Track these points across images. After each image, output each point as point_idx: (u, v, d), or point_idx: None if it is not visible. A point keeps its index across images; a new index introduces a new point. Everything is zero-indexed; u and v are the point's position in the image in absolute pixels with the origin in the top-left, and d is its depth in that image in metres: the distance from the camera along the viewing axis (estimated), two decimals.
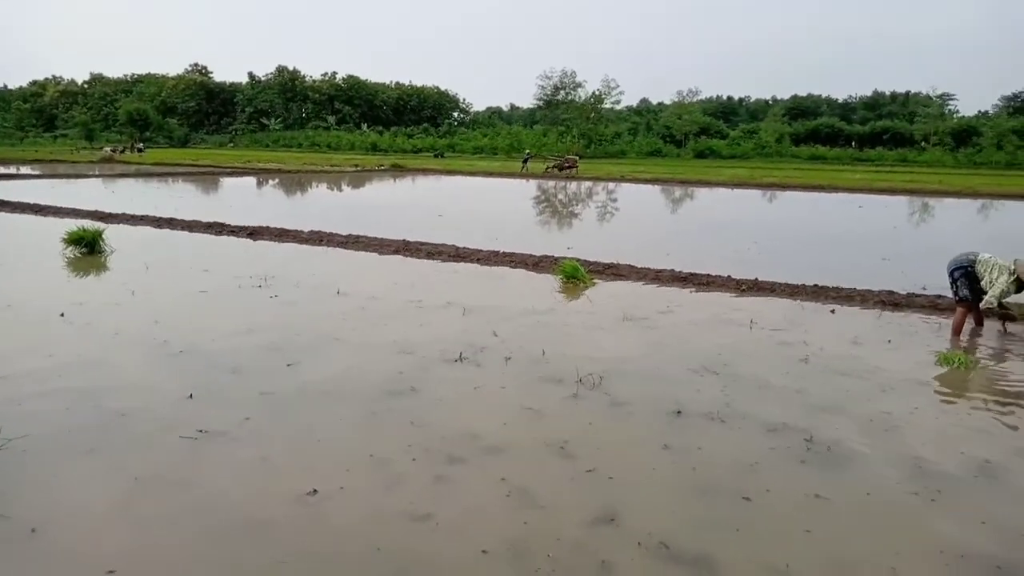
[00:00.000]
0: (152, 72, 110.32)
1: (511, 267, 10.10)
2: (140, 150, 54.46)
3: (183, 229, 13.23)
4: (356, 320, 7.23)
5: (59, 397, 5.09)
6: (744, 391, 5.34)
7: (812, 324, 7.24)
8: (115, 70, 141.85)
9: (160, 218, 13.95)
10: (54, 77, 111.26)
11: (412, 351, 6.25)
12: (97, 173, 31.34)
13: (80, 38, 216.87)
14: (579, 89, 58.02)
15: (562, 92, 57.94)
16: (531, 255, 10.38)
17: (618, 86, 58.95)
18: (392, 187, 29.30)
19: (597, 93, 59.92)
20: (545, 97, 58.68)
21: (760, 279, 8.80)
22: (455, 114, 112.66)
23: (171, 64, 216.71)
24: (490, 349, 6.29)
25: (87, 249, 10.62)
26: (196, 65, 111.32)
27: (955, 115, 61.70)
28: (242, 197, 24.48)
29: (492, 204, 23.29)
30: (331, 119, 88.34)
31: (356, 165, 40.69)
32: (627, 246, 12.34)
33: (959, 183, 29.87)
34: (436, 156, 52.93)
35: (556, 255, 10.37)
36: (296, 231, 12.45)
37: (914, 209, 23.09)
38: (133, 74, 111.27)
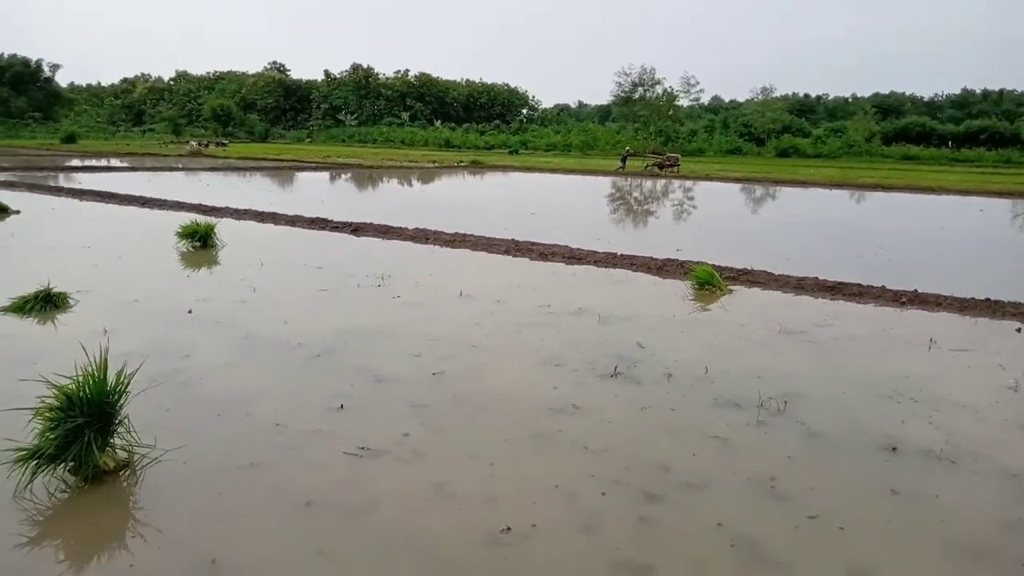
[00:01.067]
0: (233, 70, 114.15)
1: (631, 270, 9.55)
2: (223, 144, 56.01)
3: (286, 224, 13.18)
4: (489, 325, 6.82)
5: (206, 404, 4.84)
6: (958, 424, 4.66)
7: (1000, 345, 6.45)
8: (199, 68, 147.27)
9: (263, 212, 13.96)
10: (143, 74, 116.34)
11: (559, 362, 5.79)
12: (188, 166, 32.21)
13: (166, 37, 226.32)
14: (657, 86, 56.75)
15: (640, 89, 56.83)
16: (653, 258, 9.79)
17: (698, 83, 57.45)
18: (475, 184, 29.05)
19: (671, 90, 58.62)
20: (623, 93, 57.62)
21: (920, 290, 7.98)
22: (524, 111, 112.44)
23: (251, 62, 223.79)
24: (644, 363, 5.77)
25: (200, 243, 10.59)
26: (275, 63, 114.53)
27: None
28: (330, 192, 24.67)
29: (581, 201, 22.73)
30: (404, 115, 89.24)
31: (433, 161, 40.73)
32: (741, 248, 11.63)
33: None
34: (511, 153, 52.64)
35: (674, 258, 9.78)
36: (400, 228, 12.20)
37: None
38: (215, 71, 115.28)
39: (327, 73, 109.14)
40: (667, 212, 20.43)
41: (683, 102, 58.68)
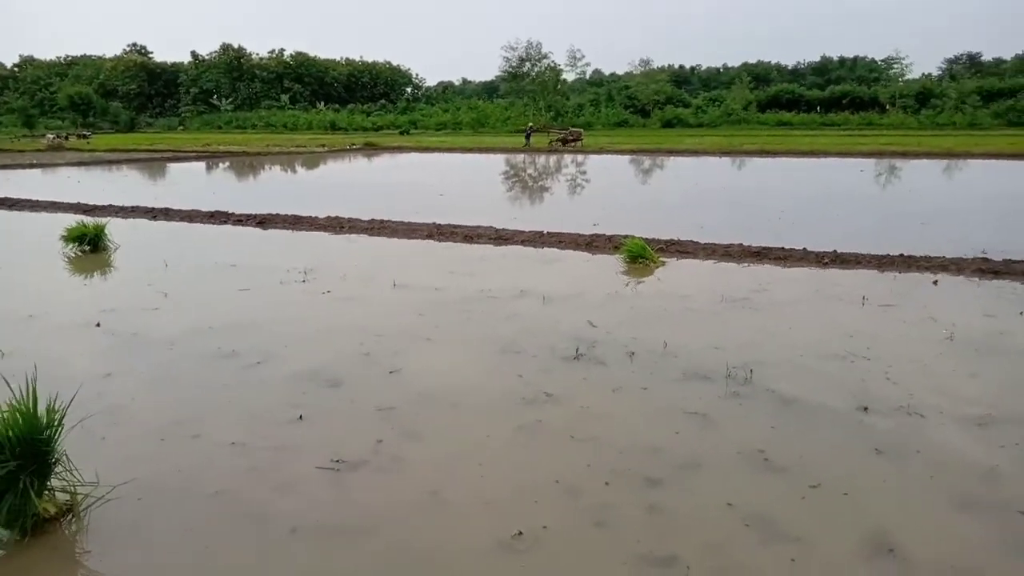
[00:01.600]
0: (88, 54, 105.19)
1: (560, 248, 9.49)
2: (85, 136, 51.59)
3: (182, 220, 12.21)
4: (434, 316, 6.54)
5: (145, 428, 4.34)
6: (914, 379, 4.88)
7: (924, 297, 6.85)
8: (47, 53, 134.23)
9: (153, 208, 12.87)
10: None
11: (517, 349, 5.62)
12: (50, 162, 29.37)
13: (6, 18, 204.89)
14: (544, 60, 56.99)
15: (527, 64, 56.88)
16: (579, 234, 9.77)
17: (583, 56, 58.16)
18: (373, 167, 28.12)
19: (556, 65, 59.03)
20: (511, 69, 57.46)
21: (839, 251, 8.37)
22: (408, 90, 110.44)
23: (107, 45, 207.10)
24: (602, 343, 5.71)
25: (90, 247, 9.61)
26: (135, 45, 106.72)
27: (903, 78, 62.91)
28: (219, 183, 23.19)
29: (487, 180, 22.53)
30: (284, 98, 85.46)
31: (323, 145, 39.19)
32: (651, 219, 11.84)
33: (932, 144, 30.18)
34: (401, 133, 51.51)
35: (600, 233, 9.81)
36: (310, 218, 11.57)
37: (914, 172, 23.10)
38: (67, 56, 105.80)
39: (195, 55, 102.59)
40: (574, 187, 20.57)
41: (569, 76, 59.34)
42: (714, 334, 5.90)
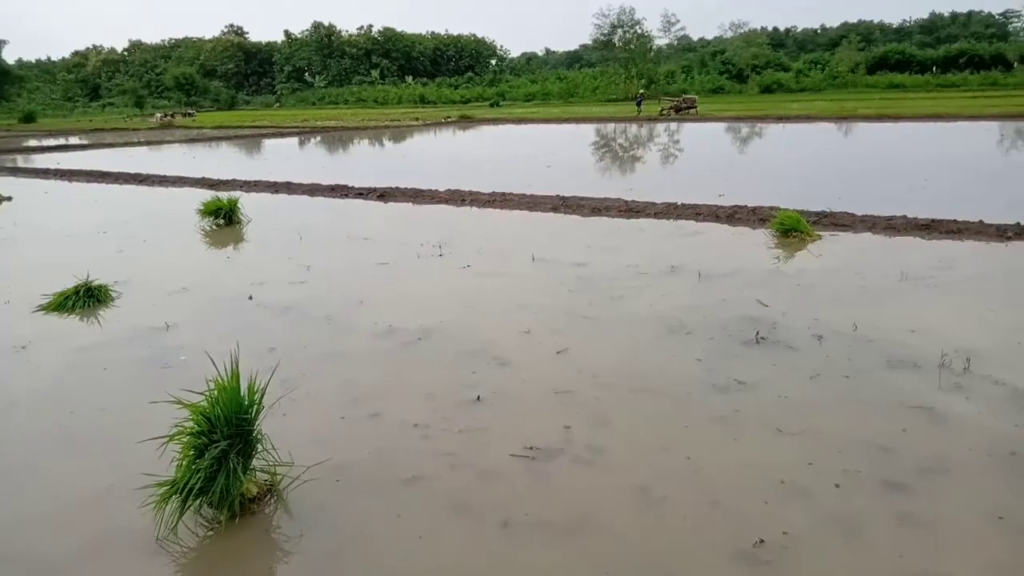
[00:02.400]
0: (189, 36, 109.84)
1: (697, 220, 8.97)
2: (191, 115, 53.94)
3: (304, 194, 12.36)
4: (585, 292, 6.23)
5: (323, 405, 4.23)
6: None
7: None
8: (153, 36, 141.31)
9: (276, 183, 13.09)
10: (95, 46, 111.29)
11: (688, 330, 5.24)
12: (163, 139, 30.78)
13: (115, 4, 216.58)
14: (637, 27, 55.22)
15: (619, 31, 55.27)
16: (718, 206, 9.21)
17: (678, 21, 56.03)
18: (473, 139, 27.92)
19: (646, 32, 56.95)
20: (602, 36, 56.01)
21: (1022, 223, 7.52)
22: (492, 62, 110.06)
23: (207, 27, 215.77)
24: (781, 325, 5.24)
25: (224, 220, 9.80)
26: (232, 26, 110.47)
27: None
28: (327, 157, 23.57)
29: (593, 151, 21.98)
30: (375, 73, 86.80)
31: (416, 119, 39.44)
32: (782, 189, 11.07)
33: None
34: (491, 105, 51.30)
35: (741, 204, 9.21)
36: (431, 191, 11.46)
37: None
38: (171, 39, 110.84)
39: (287, 34, 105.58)
40: (690, 157, 19.74)
41: (663, 42, 57.41)
42: (906, 316, 5.33)
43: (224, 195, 10.56)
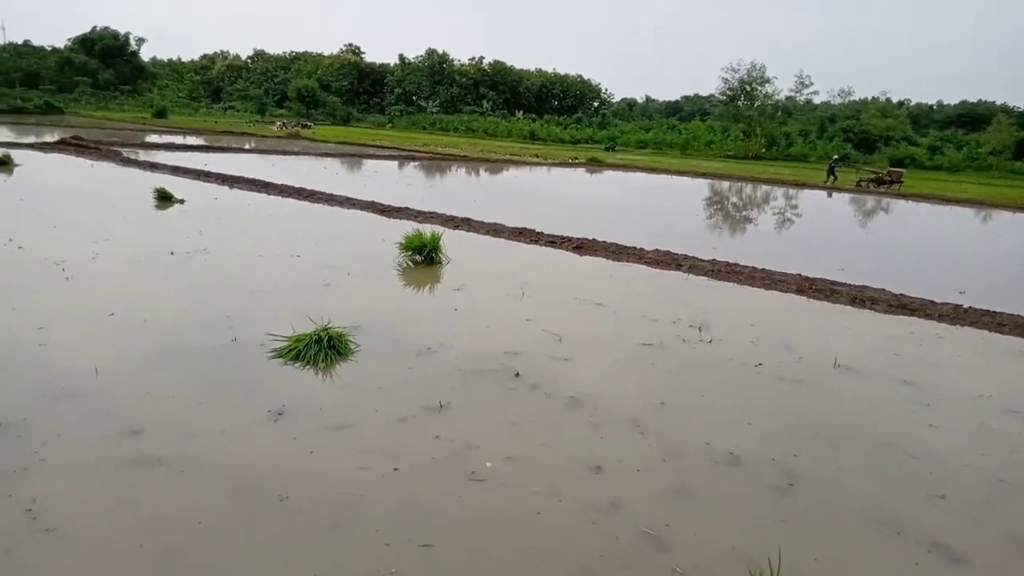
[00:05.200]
0: (309, 50, 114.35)
1: (988, 330, 7.43)
2: (308, 126, 55.14)
3: (485, 233, 11.40)
4: (944, 421, 4.84)
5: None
6: None
7: None
8: (275, 47, 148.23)
9: (454, 217, 12.20)
10: (222, 52, 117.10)
11: None
12: (292, 150, 30.99)
13: (244, 14, 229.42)
14: (767, 84, 53.48)
15: (747, 87, 53.60)
16: (998, 312, 7.67)
17: (812, 83, 53.94)
18: (623, 186, 26.24)
19: (773, 92, 54.94)
20: (729, 91, 54.48)
21: None
22: (595, 104, 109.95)
23: (326, 44, 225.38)
24: None
25: (424, 258, 8.88)
26: (350, 45, 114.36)
27: None
28: (474, 189, 22.86)
29: (775, 215, 20.52)
30: (486, 104, 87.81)
31: (536, 155, 38.83)
32: None
33: None
34: (606, 149, 50.39)
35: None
36: (635, 249, 10.29)
37: None
38: (292, 51, 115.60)
39: (402, 57, 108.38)
40: (891, 236, 17.98)
41: (792, 102, 55.29)
42: None
43: (433, 230, 9.65)
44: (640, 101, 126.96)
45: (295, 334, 5.64)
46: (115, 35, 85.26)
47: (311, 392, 4.91)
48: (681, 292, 8.44)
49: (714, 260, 9.70)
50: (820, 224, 19.56)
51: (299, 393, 4.84)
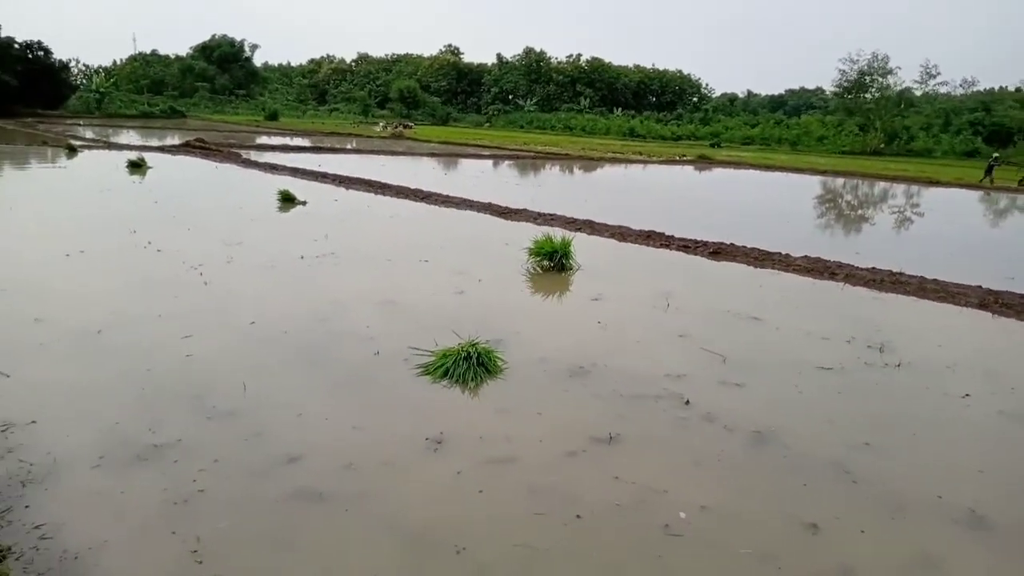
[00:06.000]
0: (409, 52, 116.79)
1: None
2: (409, 127, 56.04)
3: (610, 236, 10.82)
4: None
5: None
6: None
7: None
8: (378, 50, 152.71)
9: (576, 219, 11.69)
10: (328, 56, 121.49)
11: None
12: (403, 150, 31.36)
13: (348, 19, 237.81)
14: (889, 76, 49.94)
15: (867, 78, 50.24)
16: None
17: (938, 73, 50.01)
18: (738, 183, 25.10)
19: (895, 84, 51.09)
20: (846, 83, 51.21)
21: None
22: (694, 100, 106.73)
23: (425, 45, 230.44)
24: None
25: (553, 264, 8.40)
26: (449, 46, 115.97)
27: None
28: (575, 188, 22.38)
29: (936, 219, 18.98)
30: (584, 102, 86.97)
31: (639, 152, 37.80)
32: None
33: None
34: (712, 146, 48.57)
35: None
36: (781, 255, 9.46)
37: None
38: (393, 54, 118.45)
39: (499, 57, 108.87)
40: None
41: (917, 94, 51.62)
42: None
43: (564, 234, 9.19)
44: (741, 96, 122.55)
45: (439, 348, 5.29)
46: (231, 42, 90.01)
47: (466, 416, 4.51)
48: (844, 305, 7.59)
49: (874, 268, 8.74)
50: (972, 226, 17.81)
51: (454, 417, 4.45)
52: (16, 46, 48.26)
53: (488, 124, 74.33)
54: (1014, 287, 8.27)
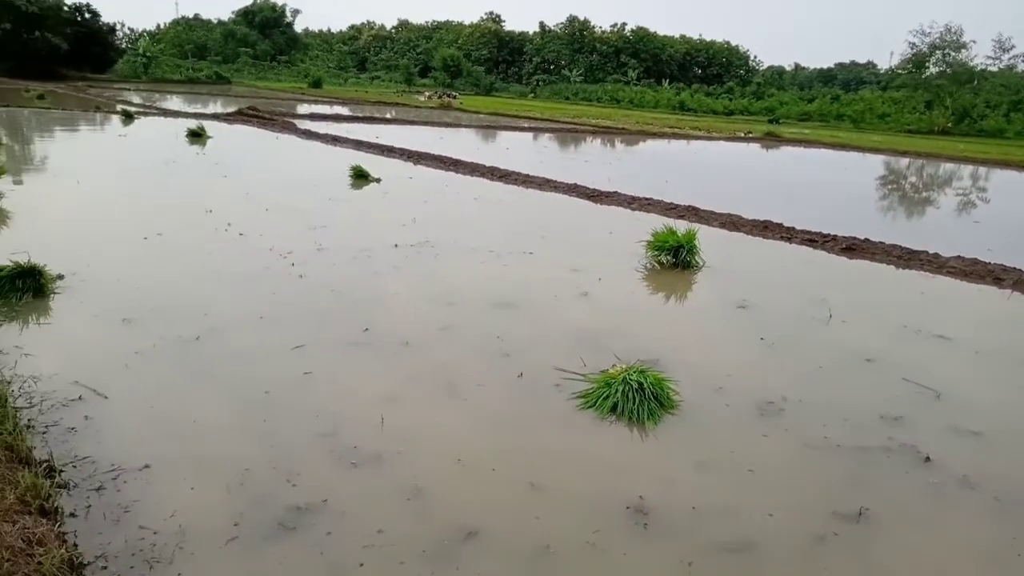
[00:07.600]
0: (451, 20, 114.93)
1: None
2: (453, 96, 54.81)
3: (718, 225, 9.79)
4: None
5: None
6: None
7: None
8: (419, 16, 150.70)
9: (677, 205, 10.66)
10: (368, 22, 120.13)
11: None
12: (451, 121, 30.34)
13: None
14: (963, 50, 47.11)
15: (938, 52, 47.52)
16: None
17: (1013, 46, 47.03)
18: (821, 164, 23.53)
19: (972, 57, 48.15)
20: (915, 57, 48.52)
21: None
22: (742, 72, 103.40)
23: (467, 12, 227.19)
24: None
25: (674, 259, 7.45)
26: (491, 14, 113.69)
27: None
28: (647, 167, 21.16)
29: None
30: (632, 74, 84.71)
31: (697, 128, 36.23)
32: None
33: None
34: (770, 123, 46.53)
35: None
36: (929, 255, 8.36)
37: None
38: (434, 20, 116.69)
39: (542, 25, 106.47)
40: None
41: (992, 69, 48.70)
42: None
43: (688, 226, 8.17)
44: (788, 69, 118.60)
45: (587, 370, 4.45)
46: (273, 7, 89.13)
47: (660, 472, 3.65)
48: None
49: None
50: None
51: (648, 474, 3.60)
52: (66, 8, 48.04)
53: (533, 95, 72.61)
54: None
